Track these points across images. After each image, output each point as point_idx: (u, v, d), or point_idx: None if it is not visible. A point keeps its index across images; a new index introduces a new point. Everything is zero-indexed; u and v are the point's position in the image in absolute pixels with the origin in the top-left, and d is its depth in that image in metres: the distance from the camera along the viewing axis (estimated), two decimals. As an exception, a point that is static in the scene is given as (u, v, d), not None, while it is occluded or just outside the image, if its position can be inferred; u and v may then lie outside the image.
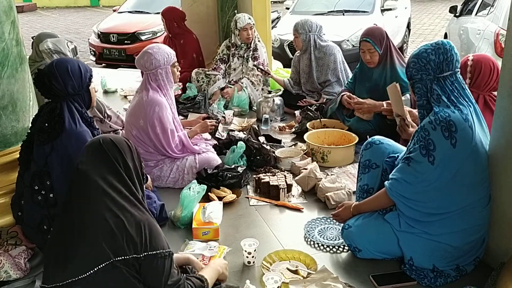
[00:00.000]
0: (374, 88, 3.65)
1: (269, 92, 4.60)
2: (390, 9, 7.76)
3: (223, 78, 4.86)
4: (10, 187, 2.49)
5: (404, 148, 2.40)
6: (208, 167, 3.09)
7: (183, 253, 2.10)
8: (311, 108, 4.03)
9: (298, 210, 2.83)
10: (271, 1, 6.07)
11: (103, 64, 8.11)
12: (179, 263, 1.92)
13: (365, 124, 3.59)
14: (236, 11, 5.44)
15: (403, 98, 3.43)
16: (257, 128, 3.74)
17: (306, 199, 2.96)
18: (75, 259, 1.55)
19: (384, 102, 3.50)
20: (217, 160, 3.21)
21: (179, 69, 3.21)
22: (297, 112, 4.23)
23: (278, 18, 8.98)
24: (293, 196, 3.00)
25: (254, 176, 3.14)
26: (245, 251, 2.26)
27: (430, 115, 2.06)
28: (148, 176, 2.78)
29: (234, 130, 3.88)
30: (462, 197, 2.05)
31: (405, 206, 2.12)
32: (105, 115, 3.69)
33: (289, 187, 2.97)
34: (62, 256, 1.57)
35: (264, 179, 3.03)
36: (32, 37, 3.80)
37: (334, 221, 2.54)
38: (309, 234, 2.52)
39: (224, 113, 4.40)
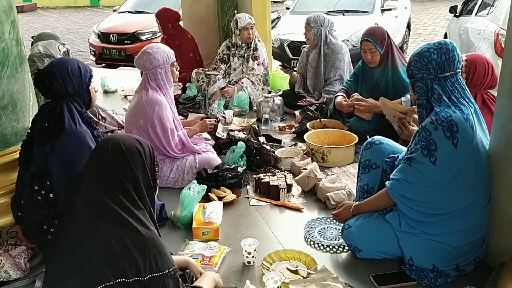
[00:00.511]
0: (375, 87, 3.65)
1: (269, 92, 4.60)
2: (390, 9, 7.76)
3: (223, 78, 4.86)
4: (10, 187, 2.49)
5: (404, 148, 2.41)
6: (208, 167, 3.09)
7: (182, 256, 2.09)
8: (311, 108, 4.03)
9: (298, 210, 2.83)
10: (271, 1, 6.07)
11: (103, 64, 8.11)
12: (177, 266, 1.90)
13: (365, 124, 3.59)
14: (236, 11, 5.44)
15: (403, 98, 3.46)
16: (257, 128, 3.74)
17: (306, 199, 2.96)
18: (74, 279, 1.50)
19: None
20: (217, 160, 3.21)
21: (178, 68, 3.21)
22: (297, 112, 4.23)
23: (278, 18, 8.99)
24: (293, 196, 3.00)
25: (254, 176, 3.14)
26: (245, 251, 2.26)
27: (431, 115, 2.05)
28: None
29: (234, 130, 3.88)
30: (463, 197, 2.05)
31: (406, 206, 2.12)
32: (99, 117, 3.70)
33: (289, 187, 2.97)
34: (61, 274, 1.52)
35: (264, 179, 3.03)
36: (32, 37, 3.81)
37: (334, 221, 2.54)
38: (309, 234, 2.52)
39: (224, 113, 4.40)
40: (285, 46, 6.89)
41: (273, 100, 4.36)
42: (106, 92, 5.63)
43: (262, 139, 3.62)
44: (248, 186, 3.12)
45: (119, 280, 1.49)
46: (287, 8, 8.68)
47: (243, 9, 5.28)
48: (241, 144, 3.26)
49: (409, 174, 2.08)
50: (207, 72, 4.93)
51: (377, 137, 2.55)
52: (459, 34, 6.57)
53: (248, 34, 4.65)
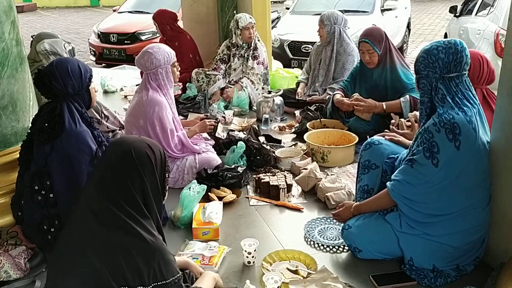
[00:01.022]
0: (374, 88, 3.65)
1: (269, 92, 4.60)
2: (390, 9, 7.75)
3: (223, 78, 4.86)
4: (10, 187, 2.49)
5: (403, 149, 2.41)
6: (208, 167, 3.09)
7: (182, 257, 2.08)
8: (311, 108, 4.04)
9: (298, 210, 2.83)
10: (271, 1, 6.07)
11: (103, 64, 8.11)
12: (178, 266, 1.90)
13: (365, 124, 3.59)
14: (236, 11, 5.44)
15: (402, 99, 3.46)
16: (257, 128, 3.74)
17: (306, 199, 2.96)
18: (76, 286, 1.49)
19: (384, 104, 3.50)
20: (217, 160, 3.21)
21: (179, 68, 3.21)
22: (297, 112, 4.24)
23: (278, 18, 8.98)
24: (293, 196, 3.00)
25: (254, 176, 3.14)
26: (245, 251, 2.25)
27: (434, 117, 2.04)
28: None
29: (234, 130, 3.88)
30: (464, 198, 2.05)
31: (407, 207, 2.12)
32: (102, 115, 3.68)
33: (289, 187, 2.97)
34: (63, 280, 1.51)
35: (264, 179, 3.03)
36: (32, 36, 3.81)
37: (334, 221, 2.54)
38: (309, 234, 2.52)
39: (224, 113, 4.40)
40: (285, 46, 6.88)
41: (273, 100, 4.36)
42: (106, 92, 5.63)
43: (262, 139, 3.62)
44: (248, 186, 3.11)
45: (121, 287, 1.48)
46: (287, 8, 8.67)
47: (243, 9, 5.28)
48: (241, 144, 3.26)
49: (411, 176, 2.08)
50: (207, 72, 4.93)
51: (376, 138, 2.55)
52: (459, 34, 6.56)
53: (249, 34, 4.65)
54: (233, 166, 3.11)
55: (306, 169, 3.09)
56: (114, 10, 9.78)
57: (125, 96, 5.35)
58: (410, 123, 2.70)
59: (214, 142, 3.47)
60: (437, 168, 2.01)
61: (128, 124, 3.14)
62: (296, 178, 3.11)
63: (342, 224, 2.37)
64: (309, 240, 2.49)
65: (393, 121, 2.97)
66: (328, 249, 2.41)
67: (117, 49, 7.96)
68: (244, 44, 4.75)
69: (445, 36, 7.73)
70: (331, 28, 4.30)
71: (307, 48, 6.55)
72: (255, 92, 4.74)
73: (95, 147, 2.28)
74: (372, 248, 2.23)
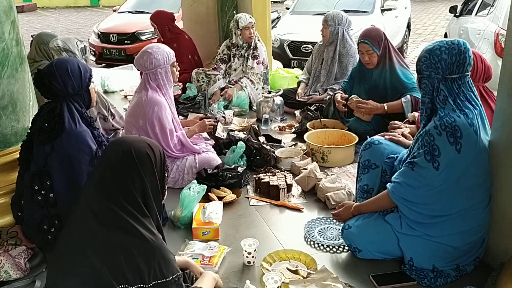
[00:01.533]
0: (373, 88, 3.65)
1: (269, 92, 4.60)
2: (390, 9, 7.75)
3: (223, 78, 4.86)
4: (10, 187, 2.49)
5: (403, 149, 2.41)
6: (208, 167, 3.09)
7: (182, 257, 2.08)
8: (311, 108, 4.03)
9: (298, 210, 2.83)
10: (271, 1, 6.07)
11: (103, 64, 8.11)
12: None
13: (364, 124, 3.59)
14: (236, 11, 5.44)
15: (403, 99, 3.46)
16: (257, 128, 3.74)
17: (306, 199, 2.96)
18: (77, 285, 1.49)
19: (385, 105, 3.50)
20: (217, 160, 3.21)
21: (178, 68, 3.21)
22: (297, 112, 4.24)
23: (278, 18, 8.98)
24: (293, 196, 3.00)
25: (254, 176, 3.13)
26: (245, 251, 2.25)
27: (435, 119, 2.04)
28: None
29: (234, 130, 3.88)
30: (464, 200, 2.05)
31: (408, 208, 2.11)
32: (109, 112, 3.68)
33: (289, 187, 2.97)
34: (63, 279, 1.51)
35: (264, 179, 3.02)
36: (32, 36, 3.81)
37: (334, 221, 2.54)
38: (309, 234, 2.52)
39: (224, 113, 4.40)
40: (285, 46, 6.88)
41: (273, 100, 4.36)
42: (106, 92, 5.62)
43: (262, 139, 3.62)
44: (248, 186, 3.11)
45: (121, 286, 1.48)
46: (287, 8, 8.67)
47: (243, 9, 5.28)
48: (241, 144, 3.26)
49: (411, 178, 2.08)
50: (207, 72, 4.93)
51: (376, 137, 2.55)
52: (459, 34, 6.56)
53: (250, 34, 4.65)
54: (233, 166, 3.11)
55: (306, 169, 3.09)
56: (114, 10, 9.78)
57: (125, 96, 5.34)
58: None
59: (214, 142, 3.47)
60: (437, 171, 2.00)
61: (128, 124, 3.14)
62: (296, 178, 3.11)
63: (342, 224, 2.37)
64: (309, 240, 2.49)
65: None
66: (328, 249, 2.41)
67: (117, 49, 7.96)
68: (244, 44, 4.75)
69: (445, 36, 7.73)
70: (335, 28, 4.30)
71: (307, 48, 6.55)
72: (255, 92, 4.74)
73: (95, 147, 2.28)
74: (372, 248, 2.23)
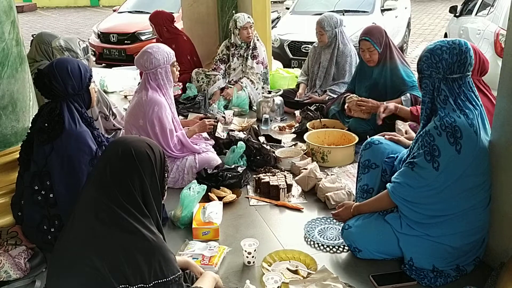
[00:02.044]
0: (374, 86, 3.66)
1: (269, 92, 4.60)
2: (390, 9, 7.76)
3: (223, 78, 4.86)
4: (10, 187, 2.49)
5: (403, 148, 2.40)
6: (208, 167, 3.09)
7: (182, 257, 2.08)
8: (311, 108, 4.04)
9: (298, 210, 2.83)
10: (271, 1, 6.07)
11: (103, 64, 8.11)
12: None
13: (364, 124, 3.59)
14: (236, 11, 5.44)
15: (403, 97, 3.46)
16: (257, 128, 3.74)
17: (306, 199, 2.96)
18: (76, 284, 1.49)
19: (385, 103, 3.50)
20: (217, 160, 3.21)
21: (178, 68, 3.21)
22: (297, 112, 4.24)
23: (278, 18, 8.98)
24: (293, 196, 3.00)
25: (254, 176, 3.13)
26: (245, 251, 2.25)
27: (435, 119, 2.03)
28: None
29: (234, 130, 3.88)
30: (464, 200, 2.05)
31: (408, 208, 2.11)
32: (111, 112, 3.68)
33: (289, 187, 2.97)
34: (63, 278, 1.51)
35: (264, 179, 3.02)
36: (33, 35, 3.80)
37: (334, 221, 2.55)
38: (309, 234, 2.52)
39: (224, 113, 4.40)
40: (285, 46, 6.88)
41: (273, 100, 4.36)
42: (105, 92, 5.62)
43: (262, 139, 3.62)
44: (248, 186, 3.11)
45: (122, 286, 1.48)
46: (287, 8, 8.67)
47: (243, 9, 5.28)
48: (241, 144, 3.26)
49: (411, 178, 2.08)
50: (207, 72, 4.93)
51: (376, 137, 2.55)
52: (459, 34, 6.56)
53: (248, 34, 4.65)
54: (233, 166, 3.11)
55: (306, 169, 3.09)
56: (114, 10, 9.77)
57: (125, 96, 5.35)
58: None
59: (214, 142, 3.47)
60: (437, 171, 2.00)
61: (128, 124, 3.14)
62: (296, 178, 3.11)
63: (342, 224, 2.37)
64: (309, 240, 2.49)
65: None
66: (328, 249, 2.41)
67: (117, 49, 7.95)
68: (243, 43, 4.75)
69: (445, 36, 7.73)
70: (333, 32, 4.31)
71: (307, 48, 6.54)
72: (255, 92, 4.74)
73: (95, 147, 2.28)
74: (372, 248, 2.23)
